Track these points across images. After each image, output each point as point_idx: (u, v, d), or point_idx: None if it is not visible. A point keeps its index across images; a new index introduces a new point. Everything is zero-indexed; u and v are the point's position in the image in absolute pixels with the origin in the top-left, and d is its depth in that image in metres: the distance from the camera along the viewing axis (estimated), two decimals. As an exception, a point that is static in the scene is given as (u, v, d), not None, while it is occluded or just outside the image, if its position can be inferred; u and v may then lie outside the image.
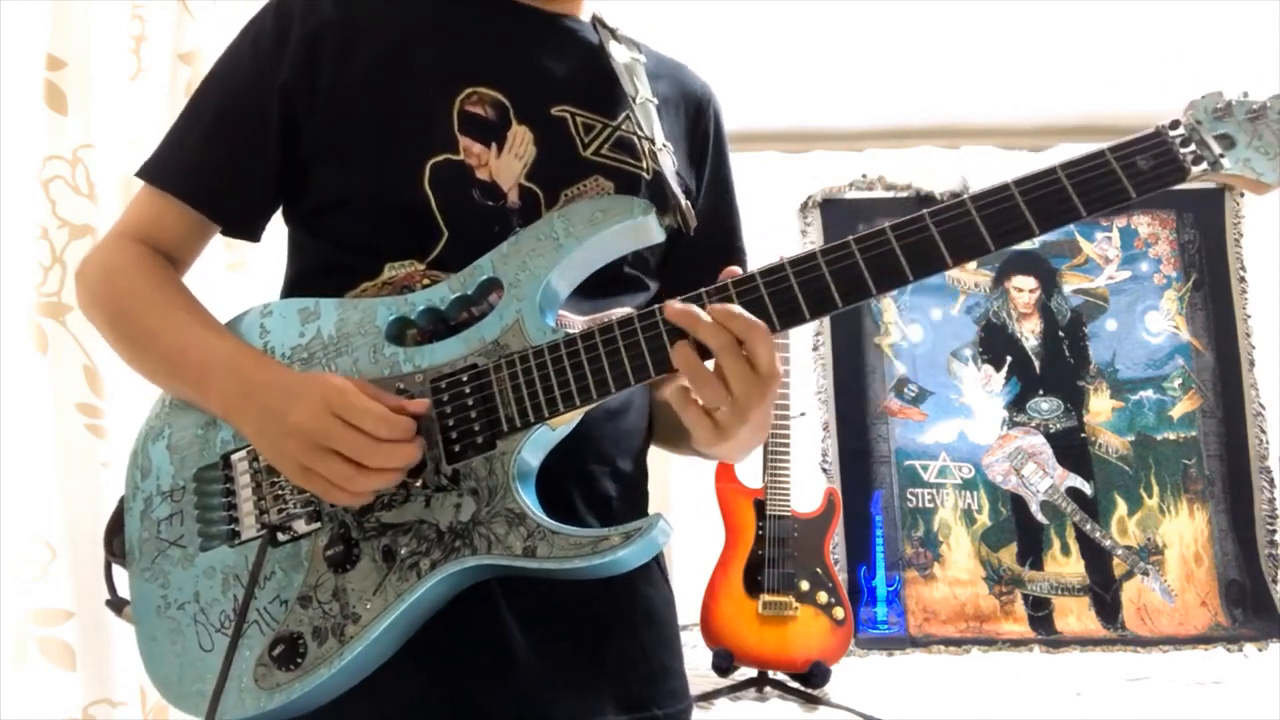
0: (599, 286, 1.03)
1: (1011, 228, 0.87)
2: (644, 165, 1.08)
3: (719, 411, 0.89)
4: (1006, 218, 0.87)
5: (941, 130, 3.54)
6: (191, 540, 0.98)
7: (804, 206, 3.50)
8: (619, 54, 1.12)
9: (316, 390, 0.90)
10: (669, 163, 1.09)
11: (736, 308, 0.87)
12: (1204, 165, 0.87)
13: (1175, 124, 0.88)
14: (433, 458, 0.92)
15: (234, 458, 0.99)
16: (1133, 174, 0.86)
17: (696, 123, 1.20)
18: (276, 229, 1.14)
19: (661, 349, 0.90)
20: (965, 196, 0.88)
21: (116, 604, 1.03)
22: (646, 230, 0.98)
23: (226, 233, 1.12)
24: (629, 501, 1.08)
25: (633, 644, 1.05)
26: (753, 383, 0.87)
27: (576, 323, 0.99)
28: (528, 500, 0.90)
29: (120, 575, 1.03)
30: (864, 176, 3.52)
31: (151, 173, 1.10)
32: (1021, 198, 0.87)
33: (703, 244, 1.15)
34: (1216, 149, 0.87)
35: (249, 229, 1.12)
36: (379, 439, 0.88)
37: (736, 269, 0.92)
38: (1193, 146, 0.87)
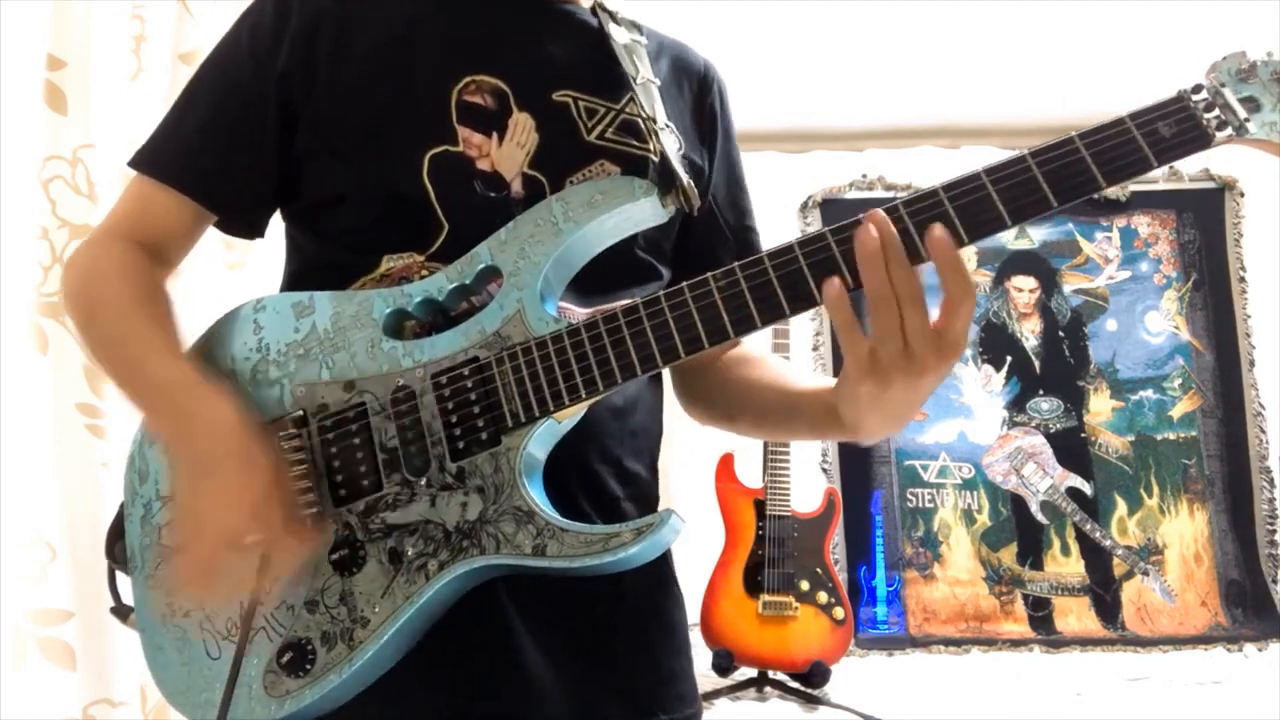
0: (608, 277, 1.01)
1: (1028, 201, 0.83)
2: (650, 146, 1.06)
3: (885, 350, 0.84)
4: (1022, 190, 0.83)
5: (941, 130, 3.54)
6: None
7: (804, 206, 3.51)
8: (619, 35, 1.10)
9: (212, 506, 0.89)
10: (672, 143, 1.08)
11: (962, 263, 0.83)
12: (1229, 130, 0.82)
13: (1198, 88, 0.83)
14: (436, 456, 0.91)
15: None
16: (1154, 141, 0.82)
17: (701, 100, 1.18)
18: (276, 228, 1.13)
19: (668, 336, 0.88)
20: (980, 170, 0.85)
21: (121, 612, 1.01)
22: (649, 211, 0.95)
23: (225, 227, 1.09)
24: (638, 502, 1.06)
25: (642, 648, 1.04)
26: (937, 346, 0.84)
27: (580, 314, 0.98)
28: (536, 497, 0.88)
29: (124, 582, 1.01)
30: (864, 176, 3.52)
31: (145, 161, 1.06)
32: (1038, 169, 0.83)
33: (715, 225, 1.13)
34: (1241, 113, 0.82)
35: (246, 222, 1.09)
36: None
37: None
38: (1216, 111, 0.82)
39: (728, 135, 1.20)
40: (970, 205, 0.84)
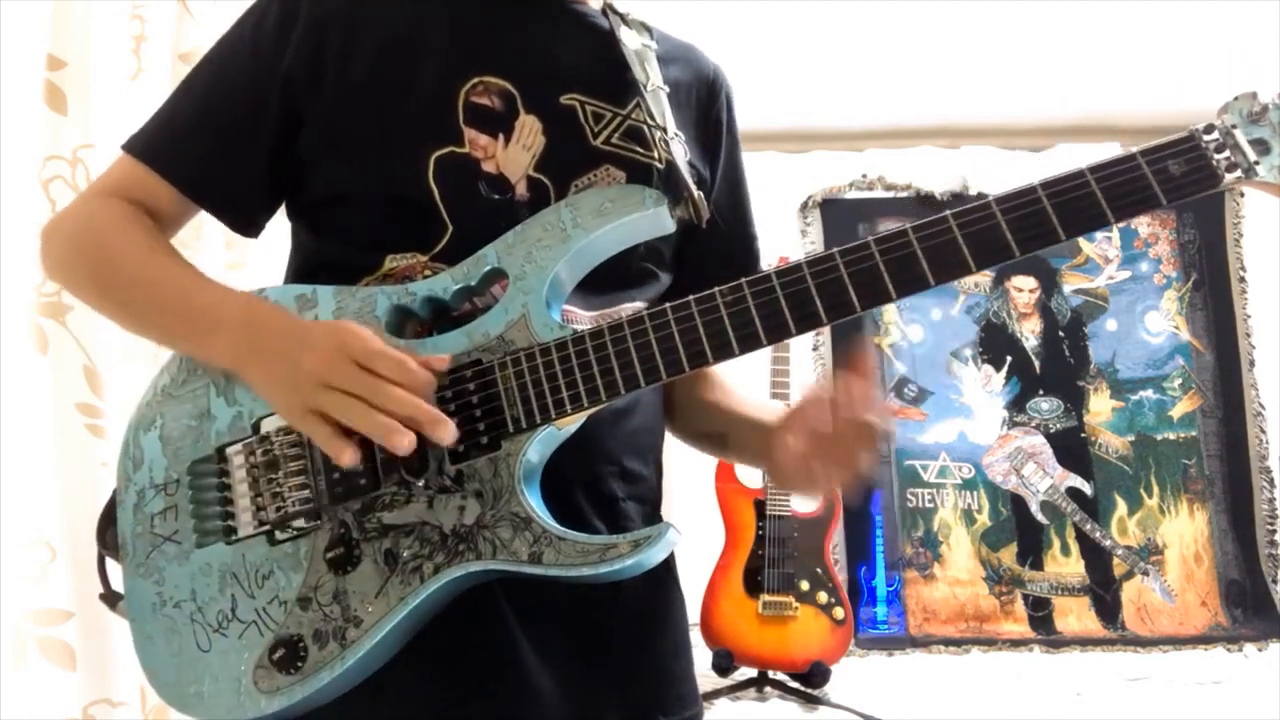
0: (610, 281, 1.01)
1: (1037, 232, 0.84)
2: (655, 154, 1.06)
3: (832, 478, 0.94)
4: (1032, 221, 0.84)
5: (941, 130, 3.54)
6: (187, 536, 0.96)
7: (804, 206, 3.50)
8: (629, 40, 1.10)
9: (333, 335, 0.89)
10: (680, 152, 1.08)
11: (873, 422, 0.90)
12: (1238, 172, 0.83)
13: (1210, 128, 0.85)
14: (435, 457, 0.90)
15: (229, 451, 0.97)
16: (1164, 179, 0.83)
17: (709, 108, 1.17)
18: (274, 229, 1.13)
19: (673, 349, 0.89)
20: (990, 199, 0.85)
21: (110, 598, 1.01)
22: (657, 221, 0.95)
23: (219, 218, 1.08)
24: (639, 502, 1.06)
25: (640, 649, 1.04)
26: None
27: (584, 319, 0.98)
28: (534, 504, 0.88)
29: (114, 569, 1.01)
30: (864, 176, 3.52)
31: (137, 148, 1.06)
32: (1049, 201, 0.84)
33: (718, 232, 1.14)
34: (1251, 155, 0.83)
35: (236, 217, 1.08)
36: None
37: (787, 257, 0.92)
38: (1227, 152, 0.83)
39: (733, 142, 1.20)
40: (979, 234, 0.85)
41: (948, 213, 0.86)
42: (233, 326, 0.95)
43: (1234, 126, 0.84)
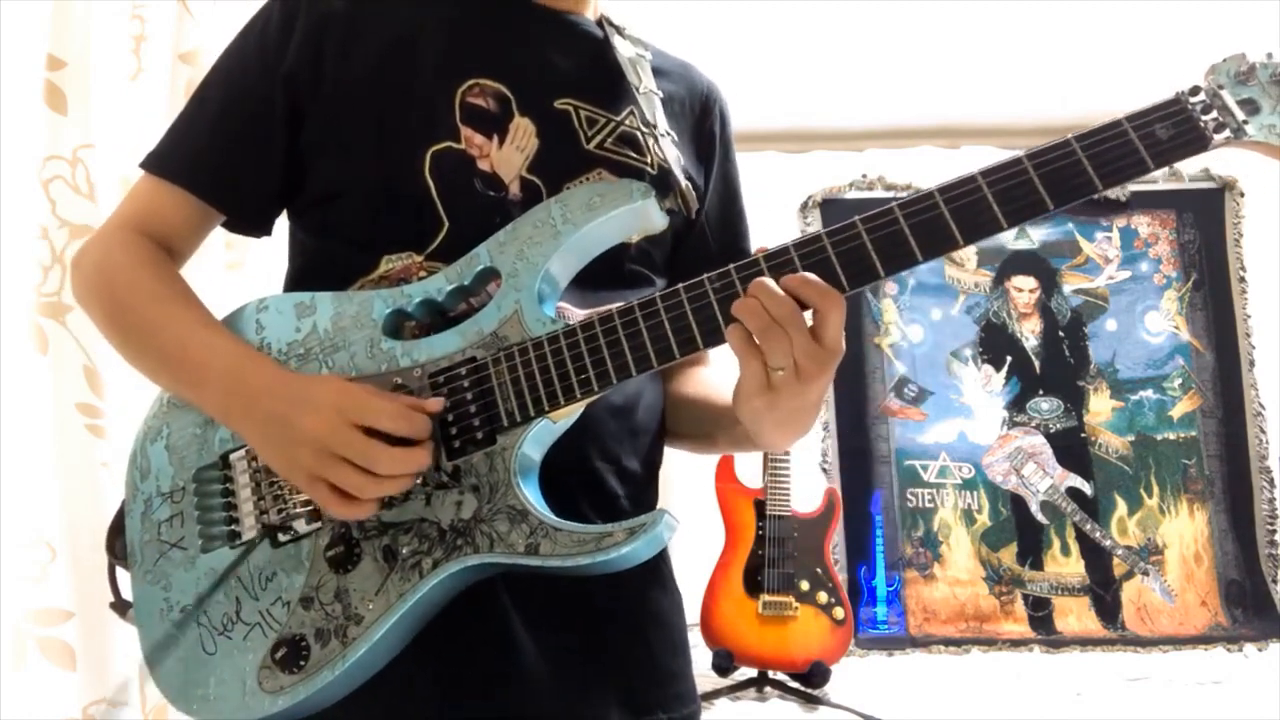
0: (602, 282, 1.02)
1: (1024, 204, 0.83)
2: (648, 160, 1.07)
3: (778, 373, 0.86)
4: (1019, 193, 0.83)
5: (941, 130, 3.54)
6: (192, 542, 0.97)
7: (804, 206, 3.51)
8: (624, 49, 1.12)
9: (327, 396, 0.89)
10: (672, 151, 1.09)
11: (810, 275, 0.85)
12: (1226, 133, 0.82)
13: (1195, 90, 0.83)
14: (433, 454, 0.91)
15: (233, 457, 0.98)
16: (1151, 144, 0.82)
17: (702, 121, 1.18)
18: (276, 228, 1.14)
19: (664, 338, 0.89)
20: (975, 173, 0.85)
21: (121, 607, 1.02)
22: (646, 214, 0.96)
23: (232, 226, 1.11)
24: (637, 501, 1.06)
25: (639, 647, 1.04)
26: (818, 357, 0.85)
27: (578, 315, 0.98)
28: (530, 496, 0.89)
29: (124, 577, 1.02)
30: (864, 176, 3.52)
31: (155, 163, 1.08)
32: (1034, 171, 0.83)
33: (708, 245, 1.14)
34: (1240, 115, 0.82)
35: (253, 221, 1.10)
36: (394, 438, 0.86)
37: (766, 246, 0.90)
38: (1214, 113, 0.82)
39: (726, 157, 1.21)
40: (966, 208, 0.85)
41: (933, 188, 0.86)
42: (219, 381, 0.96)
43: (1221, 87, 0.83)
